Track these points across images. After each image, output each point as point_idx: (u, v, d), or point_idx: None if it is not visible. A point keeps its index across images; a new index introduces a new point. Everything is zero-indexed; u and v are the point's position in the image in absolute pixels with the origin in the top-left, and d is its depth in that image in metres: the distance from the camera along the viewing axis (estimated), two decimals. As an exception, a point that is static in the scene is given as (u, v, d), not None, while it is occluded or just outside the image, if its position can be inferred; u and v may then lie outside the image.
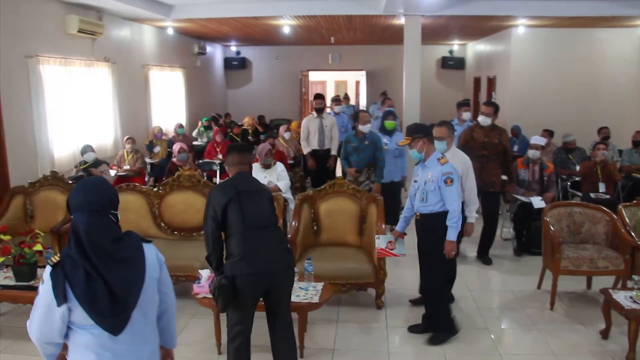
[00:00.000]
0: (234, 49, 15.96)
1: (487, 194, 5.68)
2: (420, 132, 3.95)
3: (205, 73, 14.38)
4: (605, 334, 4.12)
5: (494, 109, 5.68)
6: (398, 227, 4.24)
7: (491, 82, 12.44)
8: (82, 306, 1.85)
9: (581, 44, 10.67)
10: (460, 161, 4.49)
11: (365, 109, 12.95)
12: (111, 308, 1.87)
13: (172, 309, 2.21)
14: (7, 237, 4.14)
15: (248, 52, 16.05)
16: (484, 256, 5.87)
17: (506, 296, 5.01)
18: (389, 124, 6.48)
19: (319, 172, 7.48)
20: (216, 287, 3.04)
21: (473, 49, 14.73)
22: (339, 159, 7.20)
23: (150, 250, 2.05)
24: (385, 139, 6.35)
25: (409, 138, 3.95)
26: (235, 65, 15.94)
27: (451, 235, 3.81)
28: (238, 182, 3.23)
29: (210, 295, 3.68)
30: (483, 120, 5.65)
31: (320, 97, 7.68)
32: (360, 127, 6.15)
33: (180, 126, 10.06)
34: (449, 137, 4.53)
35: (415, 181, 4.07)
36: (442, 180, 3.85)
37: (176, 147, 6.97)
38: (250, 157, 3.41)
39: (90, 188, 2.00)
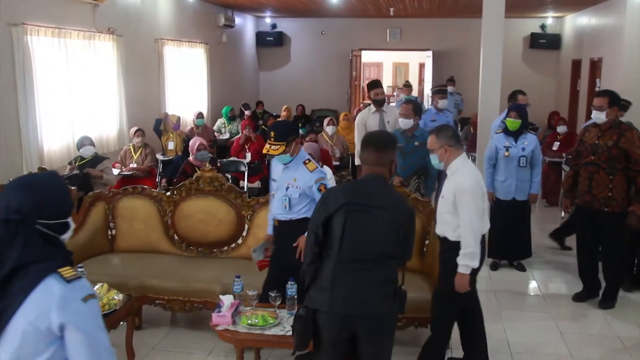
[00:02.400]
0: (268, 21, 16.13)
1: (602, 214, 5.34)
2: (294, 134, 4.23)
3: (233, 51, 14.58)
4: None
5: (609, 99, 5.25)
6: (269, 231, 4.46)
7: (595, 65, 12.11)
8: None
9: None
10: (455, 182, 3.98)
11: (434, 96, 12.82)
12: None
13: None
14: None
15: (286, 25, 16.19)
16: (606, 302, 5.55)
17: (611, 344, 4.85)
18: (512, 122, 6.20)
19: None
20: (295, 318, 3.13)
21: (572, 24, 14.39)
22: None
23: (47, 293, 1.90)
24: (506, 142, 6.20)
25: (282, 143, 4.09)
26: (270, 42, 16.09)
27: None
28: (357, 188, 3.22)
29: (232, 328, 3.75)
30: (596, 115, 5.33)
31: (377, 85, 7.46)
32: (401, 123, 6.08)
33: (200, 116, 10.16)
34: (439, 149, 4.03)
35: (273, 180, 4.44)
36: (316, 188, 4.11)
37: (194, 142, 7.05)
38: (392, 156, 3.22)
39: (15, 187, 1.99)
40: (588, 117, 12.22)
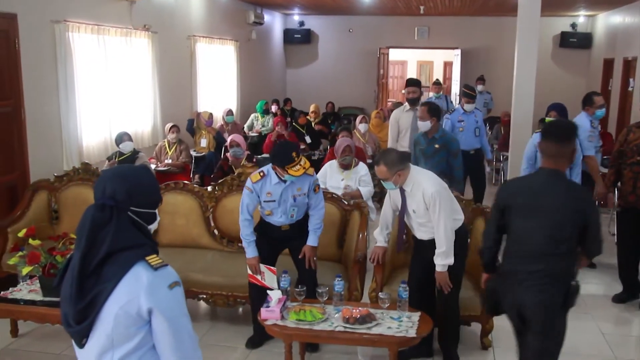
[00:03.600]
0: (296, 18, 16.20)
1: None
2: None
3: (262, 48, 14.66)
4: None
5: None
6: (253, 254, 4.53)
7: (629, 65, 11.99)
8: None
9: None
10: (421, 194, 4.15)
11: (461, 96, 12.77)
12: (66, 318, 2.03)
13: None
14: (36, 242, 4.29)
15: (314, 22, 16.23)
16: None
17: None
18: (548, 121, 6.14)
19: None
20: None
21: (605, 22, 14.26)
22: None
23: (137, 280, 1.98)
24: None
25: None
26: (298, 39, 16.16)
27: (312, 240, 4.52)
28: (530, 184, 3.36)
29: (281, 323, 3.83)
30: None
31: (414, 83, 7.50)
32: (420, 125, 6.10)
33: (230, 113, 10.26)
34: (392, 177, 4.16)
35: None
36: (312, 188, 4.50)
37: (230, 139, 7.07)
38: (572, 146, 3.30)
39: (111, 175, 2.10)
40: (620, 117, 12.16)
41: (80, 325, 1.99)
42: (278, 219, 4.54)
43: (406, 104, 7.42)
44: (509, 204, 3.34)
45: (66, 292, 2.01)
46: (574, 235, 3.18)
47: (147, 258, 2.00)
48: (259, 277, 4.45)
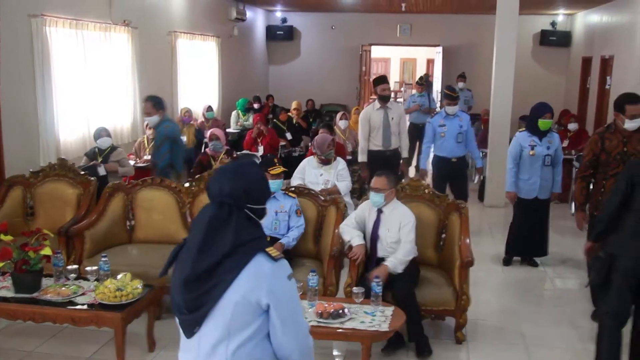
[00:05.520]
0: (279, 14, 16.18)
1: None
2: None
3: (244, 44, 14.63)
4: None
5: None
6: None
7: (606, 63, 12.11)
8: None
9: None
10: (400, 216, 4.61)
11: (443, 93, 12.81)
12: (178, 306, 2.13)
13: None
14: (7, 238, 4.26)
15: (296, 19, 16.23)
16: None
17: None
18: (545, 123, 6.06)
19: None
20: (594, 259, 3.86)
21: (583, 21, 14.38)
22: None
23: (259, 270, 2.08)
24: (531, 141, 6.11)
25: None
26: (280, 36, 16.15)
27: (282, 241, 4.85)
28: None
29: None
30: (632, 125, 4.84)
31: (384, 81, 7.41)
32: (149, 120, 6.42)
33: (209, 109, 10.32)
34: (388, 190, 4.58)
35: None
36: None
37: (209, 133, 7.10)
38: None
39: (227, 174, 2.20)
40: (598, 114, 12.27)
41: (193, 314, 2.08)
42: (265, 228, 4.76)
43: (376, 102, 7.36)
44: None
45: (178, 281, 2.10)
46: None
47: (267, 250, 2.10)
48: None
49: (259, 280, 2.05)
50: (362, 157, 7.36)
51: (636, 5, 10.61)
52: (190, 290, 2.06)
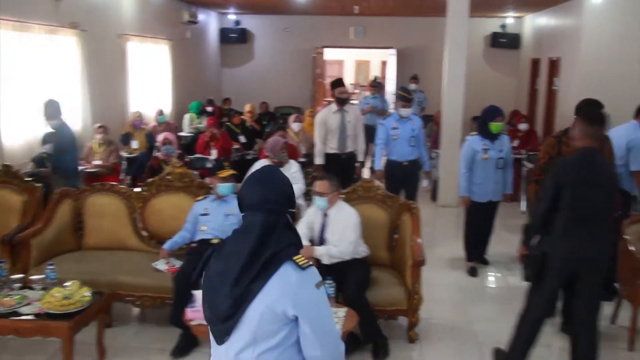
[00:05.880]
0: (232, 17, 16.09)
1: None
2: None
3: (197, 47, 14.51)
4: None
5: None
6: (167, 246, 4.95)
7: (554, 65, 12.41)
8: None
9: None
10: (345, 217, 4.67)
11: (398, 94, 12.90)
12: (212, 316, 2.15)
13: None
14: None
15: (250, 22, 16.17)
16: None
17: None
18: (498, 126, 6.03)
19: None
20: (528, 258, 4.02)
21: (532, 24, 14.71)
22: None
23: (286, 279, 2.07)
24: (483, 144, 6.07)
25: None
26: (234, 39, 16.07)
27: None
28: (583, 162, 3.88)
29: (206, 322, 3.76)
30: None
31: (341, 83, 7.43)
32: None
33: (161, 113, 10.27)
34: (331, 193, 4.64)
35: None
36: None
37: (161, 137, 7.04)
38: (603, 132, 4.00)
39: (265, 181, 2.19)
40: (547, 115, 12.57)
41: (225, 324, 2.08)
42: (211, 231, 4.86)
43: (333, 104, 7.37)
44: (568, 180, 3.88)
45: (213, 290, 2.11)
46: None
47: (295, 258, 2.09)
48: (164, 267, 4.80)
49: (285, 291, 2.05)
50: (318, 160, 7.37)
51: (580, 9, 10.91)
52: (229, 300, 2.06)
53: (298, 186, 6.14)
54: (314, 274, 2.11)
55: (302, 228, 4.78)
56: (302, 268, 2.07)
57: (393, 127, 7.01)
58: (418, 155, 7.13)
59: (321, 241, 4.69)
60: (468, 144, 6.20)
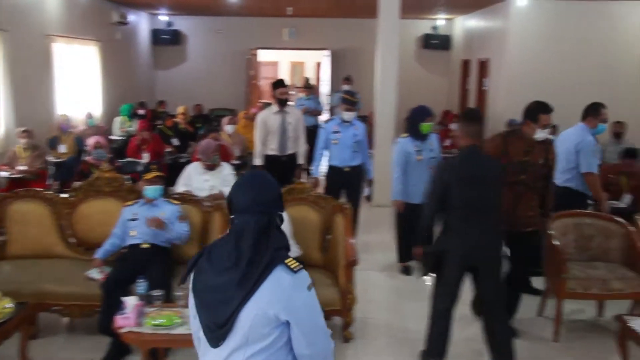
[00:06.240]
0: (164, 18, 15.84)
1: (522, 236, 4.71)
2: None
3: (127, 48, 14.23)
4: (621, 371, 4.30)
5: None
6: (100, 255, 4.81)
7: (483, 66, 12.76)
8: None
9: (596, 20, 10.99)
10: None
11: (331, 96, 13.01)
12: (209, 323, 2.14)
13: None
14: None
15: (182, 23, 15.97)
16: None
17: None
18: (428, 127, 5.99)
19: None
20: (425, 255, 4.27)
21: (462, 26, 15.08)
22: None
23: (278, 283, 2.08)
24: (415, 146, 6.02)
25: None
26: (166, 40, 15.83)
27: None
28: (466, 160, 4.10)
29: (137, 329, 3.73)
30: (543, 135, 4.65)
31: (282, 84, 7.34)
32: None
33: (90, 116, 10.05)
34: None
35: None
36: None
37: (92, 140, 6.88)
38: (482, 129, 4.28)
39: (255, 185, 2.21)
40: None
41: (222, 329, 2.09)
42: (141, 235, 4.77)
43: (274, 105, 7.32)
44: (454, 178, 4.07)
45: (208, 295, 2.12)
46: None
47: (286, 262, 2.11)
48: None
49: (278, 295, 2.07)
50: (258, 161, 7.30)
51: (507, 12, 11.26)
52: (226, 306, 2.08)
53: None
54: (305, 276, 2.14)
55: None
56: (294, 271, 2.10)
57: (334, 131, 6.76)
58: (361, 162, 6.91)
59: None
60: (400, 147, 6.15)
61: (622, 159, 7.23)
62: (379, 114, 9.26)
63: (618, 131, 8.91)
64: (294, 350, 2.16)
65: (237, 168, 8.02)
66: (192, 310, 2.21)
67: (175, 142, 9.82)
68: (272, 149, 7.23)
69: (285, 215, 4.55)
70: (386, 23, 9.13)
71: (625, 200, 6.56)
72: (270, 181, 2.24)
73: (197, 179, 6.09)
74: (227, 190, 5.92)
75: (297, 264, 2.13)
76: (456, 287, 4.23)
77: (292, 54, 20.59)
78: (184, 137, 10.19)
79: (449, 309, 4.26)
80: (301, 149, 7.33)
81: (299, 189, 5.18)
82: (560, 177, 5.77)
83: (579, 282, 4.80)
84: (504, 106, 11.04)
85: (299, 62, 22.17)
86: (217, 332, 2.11)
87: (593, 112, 5.82)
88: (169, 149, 9.32)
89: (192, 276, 2.20)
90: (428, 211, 4.23)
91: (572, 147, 5.69)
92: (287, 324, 2.11)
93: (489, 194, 4.13)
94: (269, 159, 7.25)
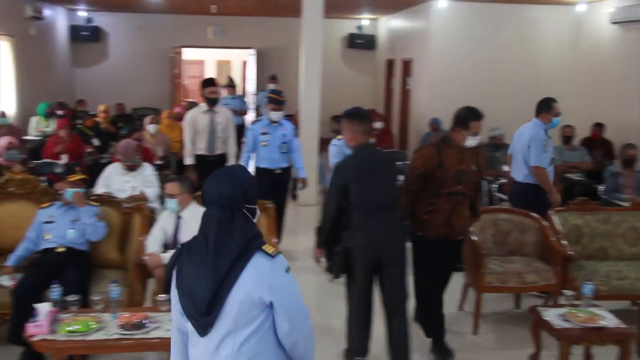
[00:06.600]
0: (83, 14, 15.35)
1: (453, 244, 4.67)
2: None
3: (44, 45, 13.69)
4: (535, 359, 4.47)
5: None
6: (11, 262, 4.66)
7: (407, 65, 12.99)
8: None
9: (513, 23, 11.38)
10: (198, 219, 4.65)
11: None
12: (194, 311, 2.27)
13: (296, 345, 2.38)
14: None
15: (103, 20, 15.51)
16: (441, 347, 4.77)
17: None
18: None
19: None
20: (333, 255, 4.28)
21: (386, 26, 15.30)
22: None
23: (259, 268, 2.24)
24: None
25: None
26: (86, 37, 15.32)
27: None
28: (361, 158, 4.20)
29: (51, 337, 3.59)
30: (473, 142, 4.50)
31: (211, 83, 7.24)
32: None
33: (3, 115, 9.66)
34: (182, 194, 4.61)
35: None
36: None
37: (4, 141, 6.63)
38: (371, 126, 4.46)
39: (224, 178, 2.35)
40: (402, 113, 13.13)
41: (209, 317, 2.22)
42: (55, 239, 4.64)
43: (203, 104, 7.21)
44: (351, 178, 4.14)
45: (190, 287, 2.24)
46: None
47: (263, 247, 2.26)
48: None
49: (260, 279, 2.22)
50: (189, 160, 7.18)
51: (429, 13, 11.51)
52: (212, 294, 2.20)
53: (152, 190, 5.99)
54: (282, 260, 2.30)
55: (156, 232, 4.69)
56: (272, 256, 2.25)
57: (262, 133, 6.68)
58: (290, 163, 6.87)
59: (175, 243, 4.60)
60: (338, 150, 5.98)
61: None
62: (303, 113, 9.31)
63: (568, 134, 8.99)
64: (277, 331, 2.32)
65: (160, 168, 7.89)
66: (176, 306, 2.34)
67: (95, 142, 9.55)
68: (201, 149, 7.12)
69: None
70: (310, 22, 9.18)
71: None
72: (240, 176, 2.37)
73: (117, 180, 5.97)
74: (148, 191, 5.90)
75: (274, 249, 2.29)
76: (367, 284, 4.27)
77: (218, 52, 20.39)
78: (105, 137, 9.93)
79: (365, 307, 4.31)
80: (232, 149, 7.21)
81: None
82: (519, 174, 6.03)
83: (497, 276, 4.97)
84: (426, 105, 11.29)
85: (225, 60, 21.96)
86: (203, 321, 2.23)
87: (545, 107, 5.98)
88: (89, 150, 9.06)
89: (174, 273, 2.33)
90: (328, 212, 4.29)
91: (525, 142, 5.91)
92: (271, 307, 2.27)
93: (388, 190, 4.27)
94: (197, 158, 7.14)
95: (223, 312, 2.22)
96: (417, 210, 4.54)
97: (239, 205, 2.29)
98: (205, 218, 2.31)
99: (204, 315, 2.23)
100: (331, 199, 4.27)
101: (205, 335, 2.26)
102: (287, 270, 2.31)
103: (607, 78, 10.27)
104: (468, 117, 4.44)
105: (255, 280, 2.21)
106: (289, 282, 2.32)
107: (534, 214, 5.45)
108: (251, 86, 16.33)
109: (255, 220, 2.37)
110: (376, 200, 4.19)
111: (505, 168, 7.82)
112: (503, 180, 7.58)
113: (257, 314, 2.25)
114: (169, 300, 3.89)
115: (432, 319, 4.79)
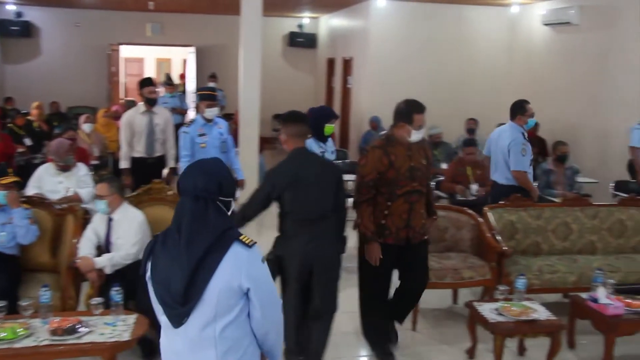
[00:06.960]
0: (12, 8, 14.80)
1: (417, 246, 4.52)
2: None
3: (-30, 41, 13.19)
4: (471, 353, 4.61)
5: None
6: None
7: (347, 64, 13.09)
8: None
9: (450, 23, 11.64)
10: (129, 220, 4.60)
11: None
12: (168, 300, 2.33)
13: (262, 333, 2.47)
14: None
15: (34, 14, 15.02)
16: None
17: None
18: (330, 128, 5.28)
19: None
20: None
21: (327, 24, 15.37)
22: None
23: (237, 257, 2.30)
24: (319, 147, 5.17)
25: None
26: (16, 32, 14.77)
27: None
28: (296, 164, 4.03)
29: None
30: (418, 136, 4.38)
31: (150, 83, 7.07)
32: None
33: None
34: (111, 195, 4.54)
35: None
36: None
37: None
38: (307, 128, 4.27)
39: (198, 171, 2.38)
40: (343, 111, 13.21)
41: (185, 307, 2.27)
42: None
43: (141, 104, 7.03)
44: (284, 184, 3.99)
45: (165, 276, 2.30)
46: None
47: (241, 238, 2.33)
48: None
49: (239, 268, 2.29)
50: (124, 164, 6.96)
51: (368, 12, 11.65)
52: (184, 284, 2.25)
53: (87, 190, 5.81)
54: (258, 251, 2.38)
55: (88, 234, 4.59)
56: (249, 246, 2.33)
57: (200, 134, 6.26)
58: (228, 163, 6.48)
59: (107, 245, 4.54)
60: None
61: (463, 148, 7.59)
62: (243, 111, 9.24)
63: (469, 127, 9.43)
64: (252, 322, 2.40)
65: (96, 168, 7.72)
66: (153, 297, 2.40)
67: (27, 141, 9.26)
68: (139, 151, 6.93)
69: (140, 215, 4.48)
70: (249, 20, 9.11)
71: (473, 190, 6.97)
72: (216, 169, 2.41)
73: (49, 181, 5.79)
74: (82, 192, 5.75)
75: (251, 239, 2.35)
76: (296, 296, 4.13)
77: (158, 50, 20.10)
78: (38, 136, 9.63)
79: (300, 314, 4.19)
80: (171, 151, 7.04)
81: (155, 189, 5.06)
82: (500, 177, 6.11)
83: (434, 272, 5.04)
84: (367, 104, 11.40)
85: (165, 58, 21.65)
86: (180, 310, 2.29)
87: (520, 110, 6.02)
88: (20, 150, 8.78)
89: (149, 265, 2.39)
90: (248, 213, 4.11)
91: (505, 146, 5.97)
92: (248, 294, 2.35)
93: (324, 198, 4.07)
94: (135, 161, 6.93)
95: (202, 302, 2.28)
96: (373, 218, 4.37)
97: (213, 197, 2.34)
98: (178, 208, 2.36)
99: (180, 305, 2.28)
100: (255, 202, 4.07)
101: (180, 327, 2.32)
102: (263, 260, 2.40)
103: (540, 77, 10.60)
104: (411, 110, 4.31)
105: (234, 269, 2.28)
106: (264, 272, 2.41)
107: (470, 211, 5.57)
108: (191, 84, 16.13)
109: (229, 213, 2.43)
110: (310, 209, 4.02)
111: (444, 166, 8.00)
112: (441, 178, 7.72)
113: (235, 302, 2.33)
114: (102, 304, 3.87)
115: (379, 335, 4.66)
